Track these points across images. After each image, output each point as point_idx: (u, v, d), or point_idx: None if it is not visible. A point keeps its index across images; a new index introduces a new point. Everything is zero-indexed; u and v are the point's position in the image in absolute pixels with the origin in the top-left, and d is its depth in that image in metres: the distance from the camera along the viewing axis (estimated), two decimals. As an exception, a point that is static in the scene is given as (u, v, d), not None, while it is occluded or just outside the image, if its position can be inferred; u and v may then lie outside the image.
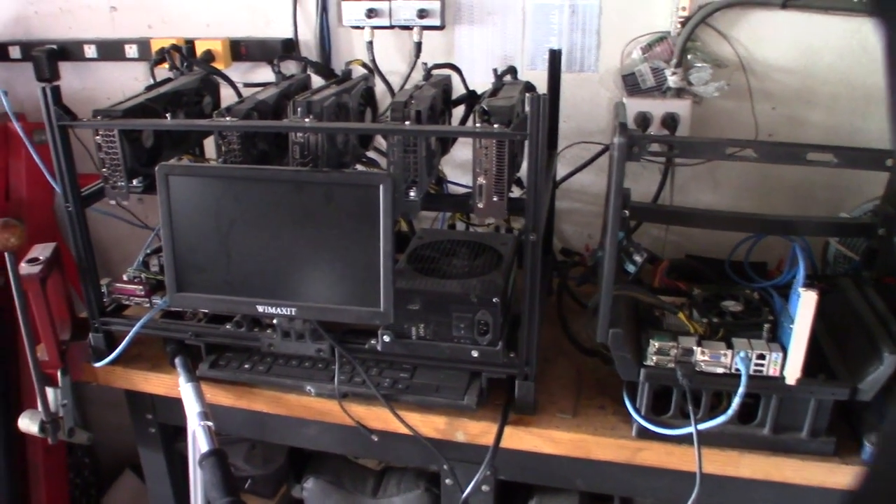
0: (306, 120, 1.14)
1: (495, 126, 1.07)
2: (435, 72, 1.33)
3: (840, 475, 1.12)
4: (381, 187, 1.06)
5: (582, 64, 1.56)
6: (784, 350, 1.07)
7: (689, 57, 1.50)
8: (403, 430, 1.20)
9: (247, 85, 1.55)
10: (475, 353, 1.18)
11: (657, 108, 1.51)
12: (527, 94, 1.02)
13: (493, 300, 1.14)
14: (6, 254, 1.26)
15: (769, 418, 1.11)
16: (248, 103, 1.22)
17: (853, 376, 1.09)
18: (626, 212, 1.16)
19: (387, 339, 1.20)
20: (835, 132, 1.53)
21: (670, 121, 1.50)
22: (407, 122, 1.10)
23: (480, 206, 1.12)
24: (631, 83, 1.53)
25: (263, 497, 1.70)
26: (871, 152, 1.02)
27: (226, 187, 1.12)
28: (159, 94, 1.31)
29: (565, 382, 1.27)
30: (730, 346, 1.08)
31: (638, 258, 1.22)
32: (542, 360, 1.31)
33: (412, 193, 1.14)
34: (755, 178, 1.59)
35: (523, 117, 1.03)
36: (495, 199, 1.11)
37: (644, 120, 1.51)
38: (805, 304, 1.03)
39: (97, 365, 1.39)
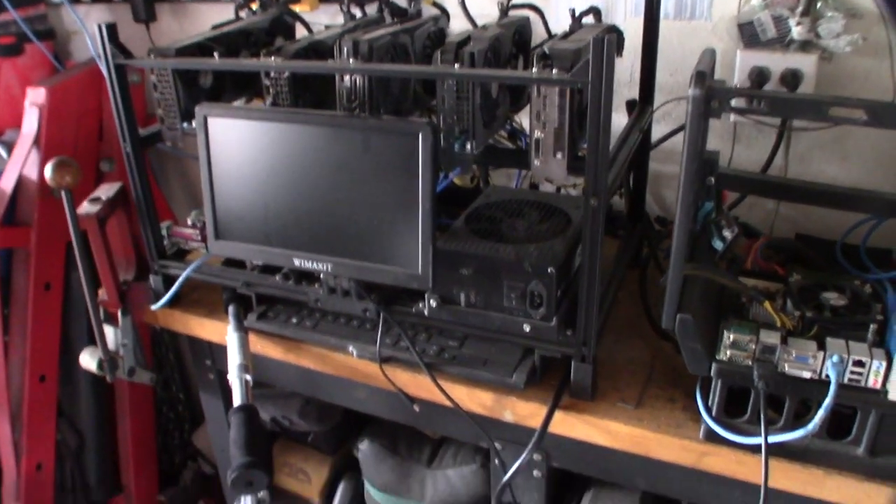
0: (351, 61, 1.03)
1: (554, 72, 0.92)
2: (515, 13, 1.19)
3: (949, 513, 0.93)
4: (420, 136, 0.94)
5: (693, 10, 1.37)
6: (890, 358, 0.89)
7: (818, 5, 1.28)
8: (448, 402, 1.10)
9: (327, 27, 1.46)
10: (527, 328, 1.05)
11: (777, 62, 1.30)
12: (592, 38, 0.87)
13: (548, 270, 1.01)
14: (63, 192, 1.24)
15: (865, 437, 0.93)
16: (300, 43, 1.13)
17: (978, 396, 0.90)
18: (713, 179, 1.00)
19: (433, 303, 1.09)
20: None
21: (791, 78, 1.29)
22: (456, 66, 0.98)
23: (537, 163, 0.98)
24: (748, 33, 1.33)
25: (324, 453, 1.65)
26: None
27: (263, 131, 1.04)
28: (222, 34, 1.24)
29: (634, 368, 1.13)
30: (822, 346, 0.91)
31: (728, 234, 1.05)
32: (613, 340, 1.18)
33: (466, 146, 1.02)
34: (891, 149, 1.36)
35: (586, 62, 0.89)
36: (556, 156, 0.97)
37: (760, 76, 1.31)
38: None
39: (153, 307, 1.36)
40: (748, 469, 0.98)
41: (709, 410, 0.99)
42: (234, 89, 1.28)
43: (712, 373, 0.95)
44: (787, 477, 0.96)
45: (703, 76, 0.84)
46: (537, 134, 0.97)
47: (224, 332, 1.27)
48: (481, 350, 1.12)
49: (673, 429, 1.02)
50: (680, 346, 0.95)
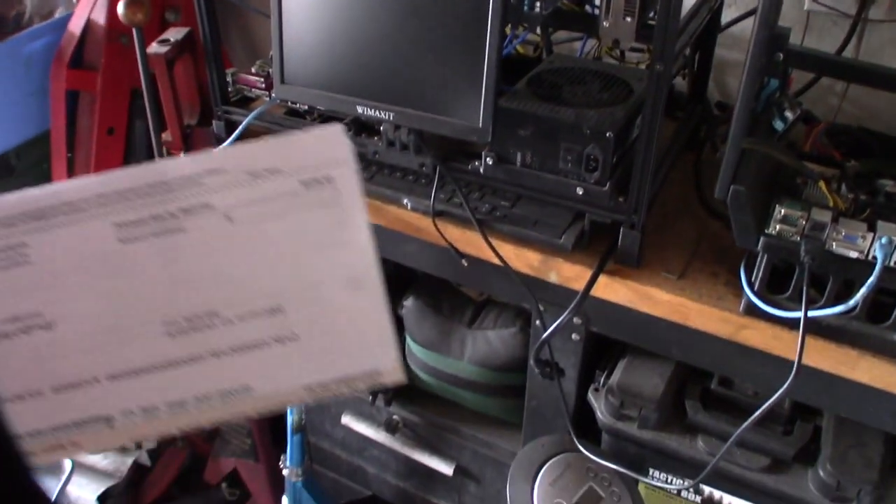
0: None
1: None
2: None
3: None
4: (491, -11, 0.94)
5: None
6: (940, 246, 0.89)
7: None
8: (495, 260, 1.13)
9: None
10: (580, 191, 1.07)
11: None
12: None
13: (607, 134, 1.01)
14: (134, 30, 1.26)
15: (905, 321, 0.95)
16: None
17: None
18: (781, 55, 0.99)
19: (490, 161, 1.11)
20: None
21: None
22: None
23: (606, 24, 0.98)
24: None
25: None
26: None
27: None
28: None
29: (681, 242, 1.14)
30: (873, 228, 0.92)
31: (790, 114, 1.05)
32: (662, 215, 1.19)
33: (536, 6, 1.01)
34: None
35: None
36: (626, 19, 0.97)
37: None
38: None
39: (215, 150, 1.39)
40: (783, 344, 1.00)
41: (751, 285, 1.00)
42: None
43: (760, 246, 0.96)
44: (821, 355, 0.98)
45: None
46: (607, -2, 0.96)
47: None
48: (532, 211, 1.14)
49: (714, 300, 1.04)
50: (731, 218, 0.97)
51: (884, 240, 0.90)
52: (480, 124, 1.02)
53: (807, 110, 1.19)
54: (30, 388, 0.37)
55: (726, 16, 1.40)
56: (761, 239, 0.96)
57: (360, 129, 1.21)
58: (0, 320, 0.36)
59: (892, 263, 0.91)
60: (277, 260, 0.42)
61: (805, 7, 1.35)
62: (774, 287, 1.00)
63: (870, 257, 0.91)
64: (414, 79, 1.05)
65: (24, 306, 0.37)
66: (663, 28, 0.92)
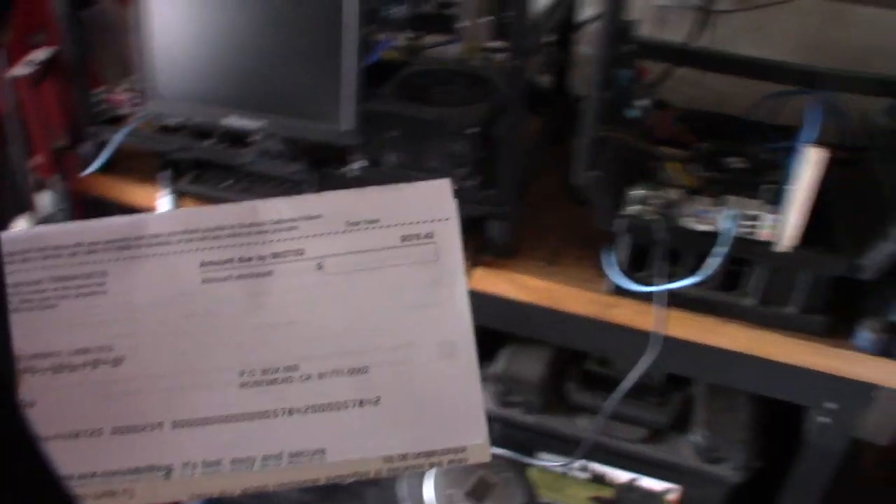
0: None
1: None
2: None
3: (826, 357, 1.03)
4: (346, -6, 0.97)
5: None
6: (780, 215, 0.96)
7: None
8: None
9: None
10: (450, 188, 1.10)
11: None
12: None
13: (471, 130, 1.05)
14: (-4, 51, 1.23)
15: (756, 287, 1.02)
16: None
17: (856, 252, 0.98)
18: (630, 46, 1.05)
19: (362, 164, 1.13)
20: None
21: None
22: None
23: (462, 26, 1.02)
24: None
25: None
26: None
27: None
28: None
29: (551, 231, 1.19)
30: (721, 203, 0.98)
31: (642, 103, 1.11)
32: (533, 207, 1.24)
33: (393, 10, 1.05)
34: (814, 36, 1.42)
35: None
36: (482, 19, 1.01)
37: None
38: (808, 163, 0.92)
39: (85, 172, 1.37)
40: (649, 319, 1.05)
41: (614, 265, 1.06)
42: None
43: (618, 227, 1.02)
44: (685, 325, 1.04)
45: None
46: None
47: (157, 197, 1.29)
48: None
49: (583, 283, 1.09)
50: (591, 202, 1.02)
51: (731, 212, 0.96)
52: (348, 128, 1.04)
53: (660, 98, 1.26)
54: (89, 427, 0.35)
55: (589, 14, 1.47)
56: (619, 220, 1.01)
57: (235, 140, 1.22)
58: (67, 351, 0.34)
59: (740, 234, 0.97)
60: (367, 316, 0.39)
61: (656, 2, 1.43)
62: (638, 265, 1.06)
63: (720, 229, 0.97)
64: (282, 86, 1.07)
65: (95, 338, 0.34)
66: (516, 26, 0.96)
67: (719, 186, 1.01)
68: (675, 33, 1.44)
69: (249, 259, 0.39)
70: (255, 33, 1.06)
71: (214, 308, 0.37)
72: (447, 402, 0.39)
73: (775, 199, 0.98)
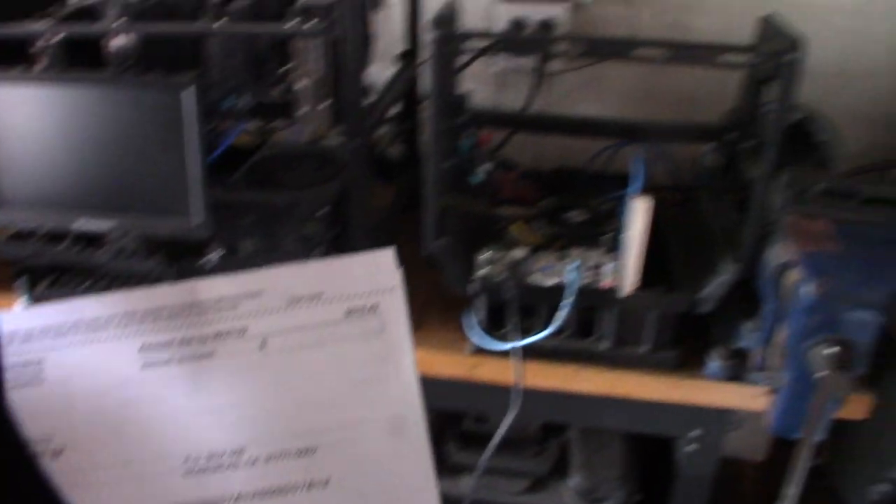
0: (113, 25, 1.06)
1: (309, 24, 0.99)
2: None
3: (682, 390, 1.09)
4: (183, 93, 0.99)
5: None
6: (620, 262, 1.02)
7: (567, -42, 1.42)
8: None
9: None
10: (308, 269, 1.12)
11: (533, 13, 1.43)
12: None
13: (320, 211, 1.08)
14: None
15: (608, 332, 1.07)
16: (70, 7, 1.14)
17: (694, 288, 1.05)
18: (463, 118, 1.10)
19: (218, 255, 1.14)
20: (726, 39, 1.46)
21: (545, 27, 1.42)
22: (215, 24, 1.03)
23: (301, 113, 1.05)
24: (506, -14, 1.45)
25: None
26: (703, 48, 0.96)
27: (32, 97, 1.05)
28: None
29: (414, 298, 1.21)
30: (564, 256, 1.04)
31: (484, 168, 1.17)
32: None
33: (238, 102, 1.07)
34: (642, 87, 1.52)
35: (338, 14, 0.96)
36: (320, 106, 1.05)
37: (518, 26, 1.43)
38: (636, 212, 0.98)
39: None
40: (511, 374, 1.09)
41: (475, 326, 1.10)
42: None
43: (471, 290, 1.06)
44: (546, 375, 1.09)
45: (440, 20, 0.93)
46: (300, 85, 1.03)
47: (15, 305, 1.26)
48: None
49: (448, 346, 1.12)
50: (443, 269, 1.06)
51: (573, 264, 1.01)
52: (199, 221, 1.05)
53: (505, 160, 1.33)
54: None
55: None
56: (472, 283, 1.05)
57: (89, 242, 1.21)
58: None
59: (584, 284, 1.03)
60: (313, 395, 0.38)
61: (495, 67, 1.50)
62: (498, 323, 1.10)
63: (565, 282, 1.02)
64: (130, 185, 1.07)
65: (35, 429, 0.32)
66: (351, 108, 1.00)
67: (563, 240, 1.07)
68: (516, 94, 1.52)
69: (190, 341, 0.37)
70: (98, 135, 1.06)
71: (155, 394, 0.36)
72: (399, 481, 0.38)
73: (614, 248, 1.04)
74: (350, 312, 0.40)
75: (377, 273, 0.42)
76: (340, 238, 1.13)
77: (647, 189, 1.10)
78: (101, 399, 0.35)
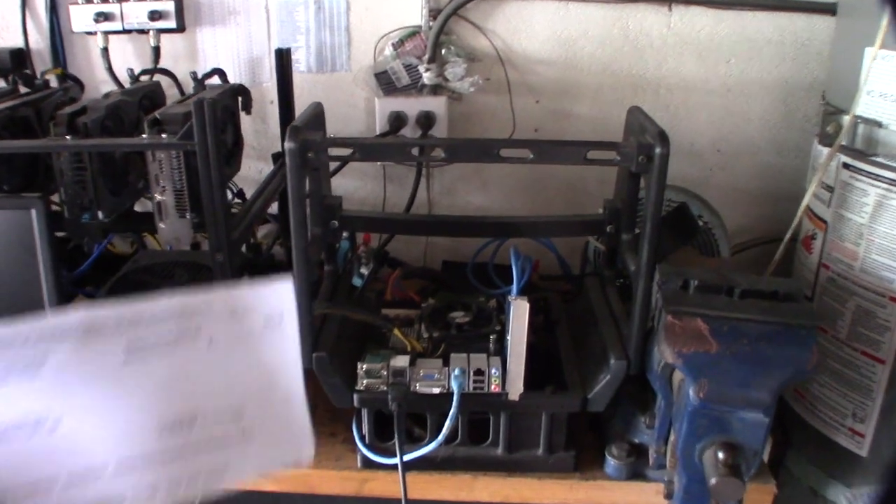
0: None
1: (163, 136, 0.95)
2: (145, 78, 1.21)
3: (581, 492, 1.05)
4: (32, 211, 0.93)
5: (333, 63, 1.45)
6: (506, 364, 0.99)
7: (443, 52, 1.41)
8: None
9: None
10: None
11: (412, 106, 1.42)
12: (193, 102, 0.91)
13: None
14: None
15: (501, 437, 1.03)
16: None
17: (585, 386, 1.02)
18: (336, 222, 1.06)
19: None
20: (603, 124, 1.47)
21: (425, 119, 1.41)
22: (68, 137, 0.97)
23: (163, 226, 1.00)
24: (385, 81, 1.43)
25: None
26: (570, 145, 0.95)
27: None
28: None
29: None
30: (447, 362, 0.99)
31: (364, 270, 1.13)
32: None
33: (99, 215, 1.01)
34: (527, 178, 1.52)
35: (191, 125, 0.92)
36: (182, 217, 0.99)
37: (398, 120, 1.41)
38: (516, 314, 0.95)
39: None
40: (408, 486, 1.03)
41: (363, 438, 1.04)
42: None
43: (355, 403, 1.00)
44: (440, 486, 1.03)
45: (296, 130, 0.90)
46: (159, 197, 0.98)
47: None
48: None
49: (333, 462, 1.06)
50: (322, 383, 1.00)
51: (456, 371, 0.97)
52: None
53: (391, 258, 1.29)
54: (38, 482, 0.40)
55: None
56: (355, 396, 1.00)
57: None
58: (10, 420, 0.39)
59: (471, 390, 0.99)
60: (241, 376, 0.48)
61: (378, 164, 1.48)
62: (387, 435, 1.04)
63: (449, 389, 0.98)
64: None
65: (34, 406, 0.40)
66: (212, 220, 0.95)
67: (446, 344, 1.03)
68: (403, 188, 1.50)
69: (163, 341, 0.46)
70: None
71: (134, 381, 0.44)
72: (292, 429, 0.50)
73: (498, 350, 1.01)
74: (267, 320, 0.49)
75: (283, 295, 0.51)
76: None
77: (527, 289, 1.08)
78: (91, 386, 0.43)
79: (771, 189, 1.53)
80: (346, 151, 0.90)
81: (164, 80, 1.37)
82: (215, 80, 1.27)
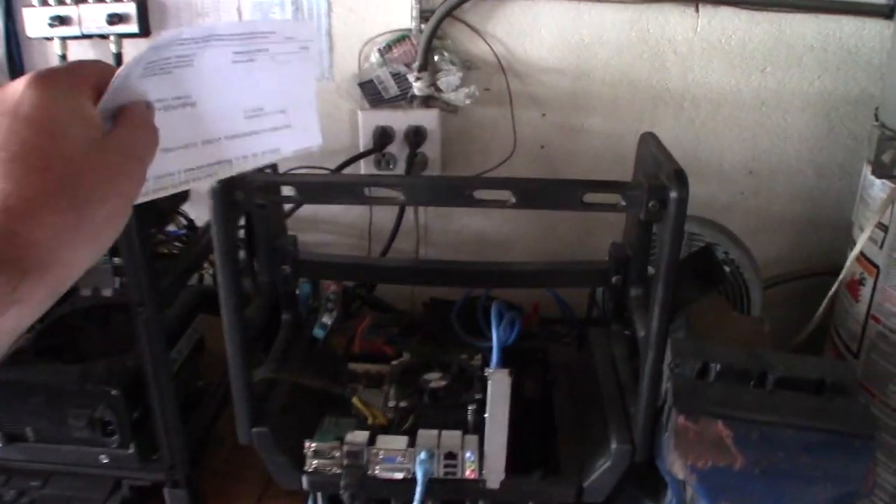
0: None
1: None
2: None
3: None
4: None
5: (313, 71, 1.28)
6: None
7: (436, 58, 1.24)
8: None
9: None
10: (104, 459, 0.90)
11: (400, 120, 1.25)
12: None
13: (112, 392, 0.86)
14: None
15: (486, 526, 0.86)
16: None
17: (582, 470, 0.85)
18: (287, 268, 0.90)
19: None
20: (618, 142, 1.29)
21: (413, 135, 1.24)
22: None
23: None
24: (371, 92, 1.26)
25: None
26: (563, 186, 0.77)
27: None
28: None
29: (253, 479, 1.00)
30: (413, 441, 0.83)
31: (327, 320, 0.96)
32: (229, 451, 1.05)
33: None
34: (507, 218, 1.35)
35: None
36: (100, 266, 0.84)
37: (384, 136, 1.24)
38: (495, 390, 0.78)
39: None
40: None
41: (317, 522, 0.88)
42: None
43: (305, 486, 0.84)
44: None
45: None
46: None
47: None
48: (67, 487, 0.95)
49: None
50: (265, 462, 0.84)
51: (422, 455, 0.81)
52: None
53: (371, 299, 1.12)
54: (187, 142, 0.52)
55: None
56: (304, 478, 0.84)
57: None
58: (170, 97, 0.49)
59: (442, 475, 0.82)
60: (286, 83, 0.58)
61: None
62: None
63: (415, 476, 0.81)
64: None
65: (182, 90, 0.50)
66: (133, 272, 0.79)
67: (416, 415, 0.86)
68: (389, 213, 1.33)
69: (251, 51, 0.54)
70: None
71: (235, 77, 0.54)
72: (310, 122, 0.61)
73: (477, 424, 0.84)
74: (302, 46, 0.58)
75: (310, 28, 0.60)
76: (142, 421, 0.90)
77: (522, 338, 0.91)
78: (214, 77, 0.52)
79: (810, 216, 1.34)
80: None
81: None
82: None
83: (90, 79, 0.43)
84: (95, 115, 0.42)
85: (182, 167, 0.52)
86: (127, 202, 0.42)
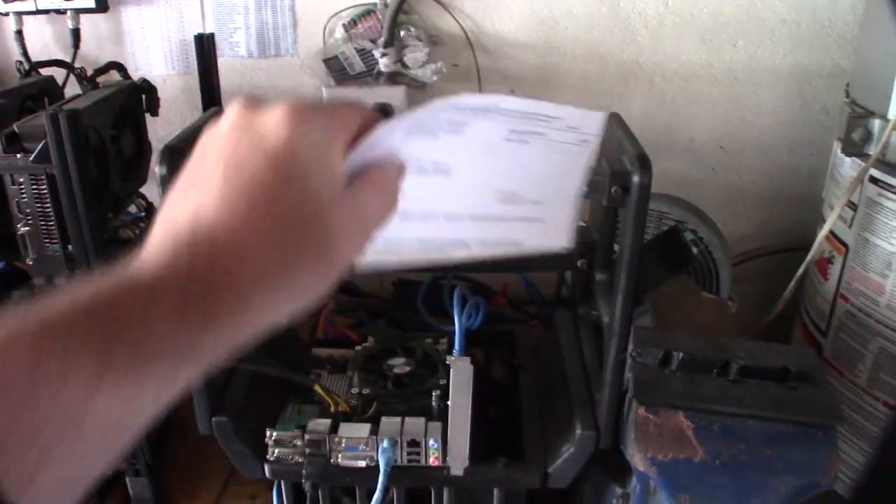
0: None
1: (18, 155, 0.76)
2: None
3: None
4: None
5: (277, 47, 1.26)
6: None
7: (402, 34, 1.21)
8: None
9: None
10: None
11: (367, 97, 1.22)
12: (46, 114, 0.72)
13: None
14: None
15: (444, 516, 0.86)
16: None
17: (546, 456, 0.84)
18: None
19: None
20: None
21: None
22: None
23: (29, 261, 0.82)
24: (336, 68, 1.24)
25: None
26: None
27: None
28: None
29: (215, 470, 0.99)
30: (377, 428, 0.82)
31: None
32: (191, 445, 1.03)
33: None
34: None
35: (45, 144, 0.73)
36: (50, 249, 0.81)
37: (350, 113, 1.22)
38: (457, 379, 0.77)
39: None
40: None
41: (282, 509, 0.87)
42: None
43: (267, 474, 0.83)
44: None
45: (172, 151, 0.70)
46: (22, 228, 0.80)
47: None
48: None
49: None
50: (226, 452, 0.83)
51: (385, 443, 0.79)
52: None
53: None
54: (428, 211, 0.48)
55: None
56: (266, 467, 0.83)
57: None
58: (427, 161, 0.46)
59: (406, 462, 0.81)
60: (554, 174, 0.52)
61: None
62: (312, 503, 0.87)
63: (378, 463, 0.80)
64: None
65: (442, 157, 0.46)
66: (84, 260, 0.77)
67: (380, 402, 0.85)
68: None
69: (528, 132, 0.48)
70: None
71: (500, 155, 0.49)
72: (563, 222, 0.53)
73: (441, 411, 0.83)
74: (581, 139, 0.51)
75: (597, 122, 0.50)
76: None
77: (488, 321, 0.90)
78: (479, 150, 0.48)
79: (781, 192, 1.33)
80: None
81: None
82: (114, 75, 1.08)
83: (349, 124, 0.40)
84: (342, 166, 0.39)
85: (415, 236, 0.49)
86: (335, 267, 0.38)
